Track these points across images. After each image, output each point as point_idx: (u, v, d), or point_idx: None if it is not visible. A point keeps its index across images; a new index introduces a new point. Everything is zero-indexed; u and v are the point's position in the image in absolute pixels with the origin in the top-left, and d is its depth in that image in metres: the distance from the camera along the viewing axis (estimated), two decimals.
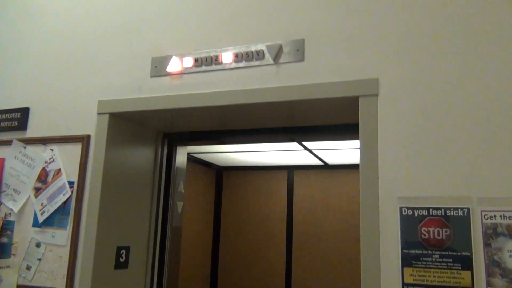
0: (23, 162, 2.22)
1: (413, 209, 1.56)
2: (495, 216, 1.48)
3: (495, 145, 1.52)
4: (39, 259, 2.08)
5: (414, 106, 1.64)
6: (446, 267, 1.50)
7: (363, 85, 1.70)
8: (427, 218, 1.54)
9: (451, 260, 1.50)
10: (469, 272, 1.47)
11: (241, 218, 5.49)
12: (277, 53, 1.85)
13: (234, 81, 1.91)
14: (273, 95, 1.83)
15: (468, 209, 1.51)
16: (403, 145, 1.62)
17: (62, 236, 2.05)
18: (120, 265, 2.13)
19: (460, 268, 1.48)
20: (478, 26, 1.61)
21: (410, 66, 1.67)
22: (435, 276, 1.50)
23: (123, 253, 2.15)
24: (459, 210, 1.52)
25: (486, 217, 1.49)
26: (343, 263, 4.81)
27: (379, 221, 1.59)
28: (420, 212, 1.55)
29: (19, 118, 2.31)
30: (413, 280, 1.52)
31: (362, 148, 1.67)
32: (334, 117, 2.04)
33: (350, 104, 1.76)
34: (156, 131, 2.42)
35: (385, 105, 1.67)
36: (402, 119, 1.64)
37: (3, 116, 2.35)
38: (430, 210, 1.55)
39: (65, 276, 2.01)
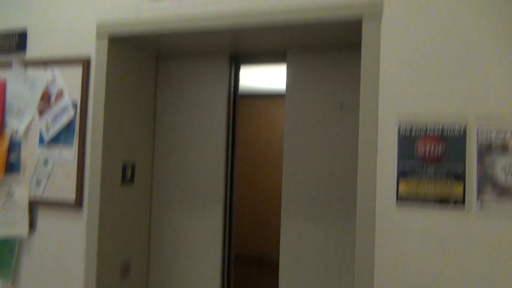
0: (24, 84, 2.23)
1: (411, 125, 1.60)
2: (490, 132, 1.52)
3: (493, 65, 1.53)
4: (48, 176, 2.16)
5: (416, 26, 1.62)
6: (440, 180, 1.56)
7: (367, 5, 1.68)
8: (424, 134, 1.59)
9: (445, 174, 1.56)
10: (462, 186, 1.54)
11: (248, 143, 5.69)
12: None
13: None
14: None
15: (465, 126, 1.55)
16: (404, 64, 1.62)
17: (69, 153, 2.11)
18: (127, 181, 2.22)
19: (453, 181, 1.55)
20: None
21: None
22: (428, 189, 1.57)
23: (129, 169, 2.23)
24: (456, 126, 1.56)
25: (481, 134, 1.53)
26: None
27: (378, 137, 1.63)
28: (418, 128, 1.59)
29: (17, 39, 2.28)
30: (407, 193, 1.59)
31: (364, 67, 1.67)
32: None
33: (352, 24, 1.74)
34: (157, 50, 2.40)
35: (388, 26, 1.65)
36: (404, 38, 1.63)
37: (1, 38, 2.31)
38: (428, 126, 1.59)
39: (74, 191, 2.10)
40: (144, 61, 2.35)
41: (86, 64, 2.11)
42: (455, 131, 1.56)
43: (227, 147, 2.36)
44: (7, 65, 2.26)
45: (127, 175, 2.21)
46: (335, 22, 1.75)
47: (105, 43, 2.08)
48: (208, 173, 2.33)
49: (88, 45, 2.13)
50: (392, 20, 1.65)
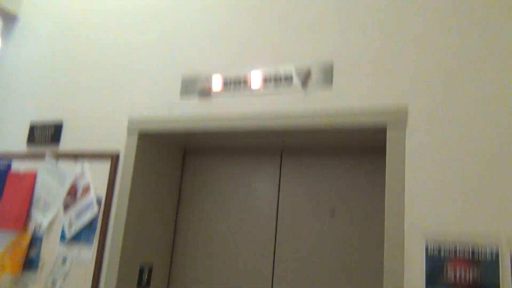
0: (54, 177, 2.28)
1: (439, 244, 1.52)
2: None
3: None
4: (64, 276, 2.12)
5: (443, 137, 1.60)
6: None
7: (392, 114, 1.68)
8: (454, 256, 1.50)
9: None
10: None
11: None
12: (306, 78, 1.85)
13: (262, 104, 1.92)
14: (301, 120, 1.83)
15: (497, 247, 1.45)
16: (431, 177, 1.58)
17: (88, 253, 2.09)
18: (143, 284, 2.16)
19: None
20: None
21: (440, 96, 1.64)
22: None
23: (146, 271, 2.18)
24: (488, 248, 1.47)
25: None
26: None
27: (404, 256, 1.55)
28: (447, 248, 1.51)
29: (53, 131, 2.38)
30: None
31: (388, 180, 1.64)
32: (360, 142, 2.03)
33: (376, 132, 1.74)
34: (184, 147, 2.46)
35: (413, 135, 1.64)
36: (430, 150, 1.60)
37: (38, 129, 2.43)
38: (457, 246, 1.50)
39: None
40: (171, 155, 2.40)
41: (114, 159, 2.16)
42: (487, 252, 1.46)
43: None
44: (41, 156, 2.35)
45: (144, 279, 2.16)
46: (358, 129, 1.77)
47: (134, 139, 2.15)
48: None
49: (119, 141, 2.20)
50: (416, 128, 1.64)
